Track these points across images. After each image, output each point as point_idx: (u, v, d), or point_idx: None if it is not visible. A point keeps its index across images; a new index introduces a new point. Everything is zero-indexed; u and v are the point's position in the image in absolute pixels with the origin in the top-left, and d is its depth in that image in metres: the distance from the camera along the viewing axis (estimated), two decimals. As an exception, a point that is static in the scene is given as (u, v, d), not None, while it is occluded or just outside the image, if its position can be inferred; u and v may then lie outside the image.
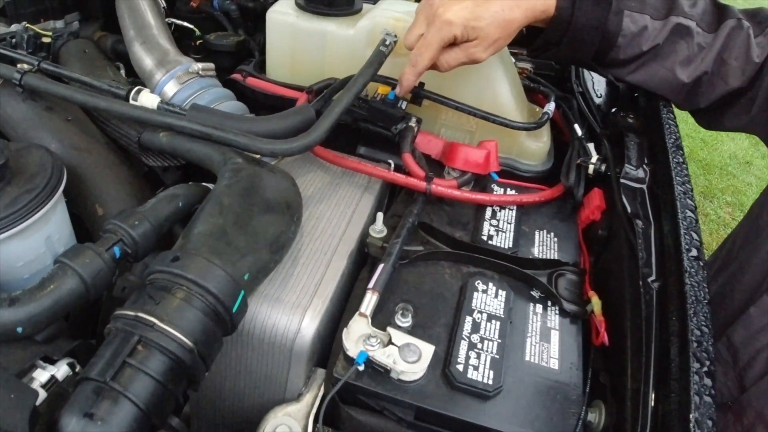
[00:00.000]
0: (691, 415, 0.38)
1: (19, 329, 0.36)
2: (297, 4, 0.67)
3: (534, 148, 0.68)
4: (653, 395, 0.42)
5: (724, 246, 0.75)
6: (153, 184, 0.65)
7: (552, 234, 0.60)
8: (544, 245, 0.59)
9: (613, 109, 0.70)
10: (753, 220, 0.70)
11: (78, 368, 0.38)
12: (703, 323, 0.44)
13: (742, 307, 0.67)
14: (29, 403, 0.33)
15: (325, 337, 0.51)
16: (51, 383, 0.36)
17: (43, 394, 0.35)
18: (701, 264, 0.48)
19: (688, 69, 0.65)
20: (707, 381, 0.41)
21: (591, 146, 0.67)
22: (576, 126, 0.69)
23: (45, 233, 0.48)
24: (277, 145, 0.53)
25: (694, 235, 0.50)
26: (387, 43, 0.60)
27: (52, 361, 0.37)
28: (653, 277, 0.49)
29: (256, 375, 0.51)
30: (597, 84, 0.78)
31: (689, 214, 0.52)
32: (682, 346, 0.42)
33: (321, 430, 0.47)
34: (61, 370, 0.37)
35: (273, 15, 0.67)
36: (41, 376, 0.36)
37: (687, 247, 0.49)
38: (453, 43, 0.58)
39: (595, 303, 0.52)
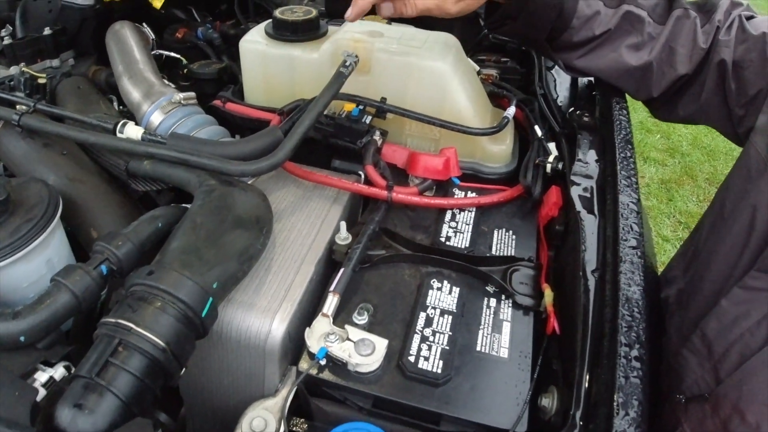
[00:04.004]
0: (615, 396, 0.44)
1: (22, 338, 0.44)
2: (266, 33, 0.75)
3: (496, 151, 0.74)
4: (587, 378, 0.48)
5: (694, 236, 0.80)
6: (150, 205, 0.74)
7: (511, 232, 0.66)
8: (502, 243, 0.65)
9: (571, 109, 0.76)
10: (718, 209, 0.74)
11: (73, 369, 0.46)
12: (636, 309, 0.50)
13: (712, 297, 0.71)
14: (30, 399, 0.41)
15: (297, 337, 0.58)
16: (50, 383, 0.44)
17: (42, 392, 0.43)
18: (639, 253, 0.53)
19: (636, 54, 0.70)
20: (635, 363, 0.46)
21: (552, 145, 0.73)
22: (536, 127, 0.75)
23: (45, 256, 0.57)
24: (246, 166, 0.60)
25: (634, 227, 0.56)
26: (347, 64, 0.68)
27: (51, 364, 0.46)
28: (594, 267, 0.55)
29: (237, 374, 0.59)
30: (559, 86, 0.84)
31: (631, 206, 0.58)
32: (612, 330, 0.48)
33: (295, 421, 0.54)
34: (58, 371, 0.45)
35: (245, 44, 0.75)
36: (41, 377, 0.44)
37: (625, 237, 0.55)
38: None
39: (547, 295, 0.58)
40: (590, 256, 0.55)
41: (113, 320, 0.44)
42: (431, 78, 0.70)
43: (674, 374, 0.75)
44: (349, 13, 0.62)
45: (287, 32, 0.73)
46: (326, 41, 0.73)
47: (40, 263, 0.56)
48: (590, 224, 0.58)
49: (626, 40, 0.70)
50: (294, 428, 0.55)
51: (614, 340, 0.46)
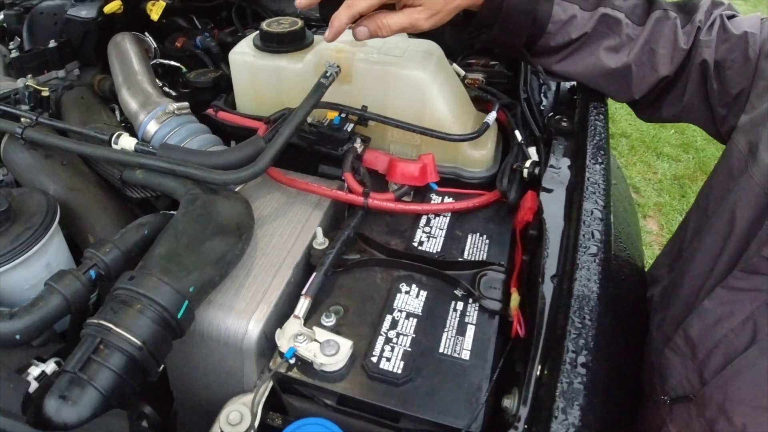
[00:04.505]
0: (557, 400, 0.47)
1: (17, 337, 0.51)
2: (254, 45, 0.81)
3: (477, 156, 0.78)
4: (533, 383, 0.52)
5: (679, 234, 0.82)
6: (150, 209, 0.80)
7: (485, 236, 0.70)
8: (475, 247, 0.69)
9: (551, 114, 0.79)
10: (701, 207, 0.76)
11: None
12: (588, 316, 0.53)
13: (693, 295, 0.73)
14: (23, 391, 0.47)
15: (273, 337, 0.64)
16: (41, 377, 0.51)
17: (35, 385, 0.49)
18: (598, 261, 0.57)
19: (615, 56, 0.72)
20: (581, 370, 0.49)
21: (533, 150, 0.76)
22: (516, 132, 0.78)
23: (45, 261, 0.64)
24: (228, 175, 0.66)
25: (596, 234, 0.59)
26: (328, 74, 0.73)
27: (43, 360, 0.52)
28: (554, 273, 0.58)
29: (220, 372, 0.65)
30: (547, 90, 0.87)
31: (595, 213, 0.61)
32: (561, 336, 0.52)
33: (271, 416, 0.60)
34: (50, 366, 0.52)
35: (234, 56, 0.81)
36: (34, 371, 0.51)
37: (585, 244, 0.58)
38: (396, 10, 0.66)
39: (514, 299, 0.62)
40: (552, 262, 0.59)
41: (96, 321, 0.51)
42: (410, 86, 0.74)
43: (658, 374, 0.78)
44: (327, 34, 0.67)
45: (273, 43, 0.79)
46: (310, 52, 0.78)
47: (39, 267, 0.64)
48: (556, 230, 0.62)
49: (604, 42, 0.72)
50: (269, 422, 0.61)
51: (561, 345, 0.50)
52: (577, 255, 0.56)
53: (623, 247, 0.86)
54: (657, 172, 2.76)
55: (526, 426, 0.48)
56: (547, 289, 0.57)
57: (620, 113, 3.20)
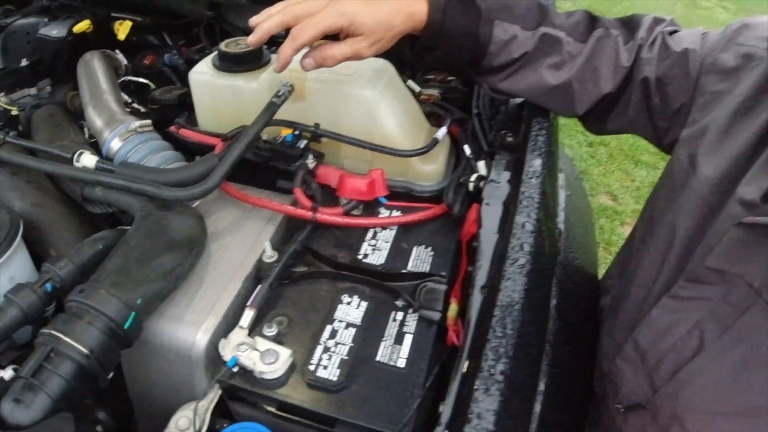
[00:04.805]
0: (471, 405, 0.51)
1: (-26, 345, 0.56)
2: (213, 64, 0.86)
3: (427, 171, 0.83)
4: (456, 390, 0.56)
5: (627, 244, 0.86)
6: (116, 223, 0.85)
7: (430, 248, 0.75)
8: (419, 259, 0.74)
9: (500, 129, 0.84)
10: (647, 218, 0.81)
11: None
12: (510, 326, 0.57)
13: (639, 304, 0.78)
14: (-22, 395, 0.52)
15: (220, 347, 0.68)
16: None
17: (-8, 389, 0.54)
18: (524, 272, 0.61)
19: (557, 73, 0.77)
20: (498, 377, 0.53)
21: (482, 164, 0.81)
22: (465, 146, 0.83)
23: (8, 274, 0.69)
24: (181, 192, 0.71)
25: (525, 246, 0.64)
26: (280, 93, 0.77)
27: (2, 367, 0.57)
28: (483, 283, 0.63)
29: (172, 381, 0.69)
30: (498, 105, 0.92)
31: (527, 226, 0.66)
32: (481, 344, 0.56)
33: (220, 422, 0.65)
34: (8, 373, 0.56)
35: (193, 75, 0.86)
36: (-8, 377, 0.56)
37: (514, 257, 0.63)
38: (339, 39, 0.71)
39: (452, 309, 0.67)
40: (483, 273, 0.64)
41: (48, 331, 0.56)
42: (360, 104, 0.79)
43: (610, 383, 0.82)
44: (276, 67, 0.71)
45: (231, 63, 0.84)
46: (265, 71, 0.83)
47: (3, 281, 0.68)
48: (490, 243, 0.67)
49: (546, 60, 0.77)
50: (218, 427, 0.65)
51: (480, 354, 0.55)
52: (504, 266, 0.61)
53: (574, 257, 0.91)
54: (635, 180, 2.84)
55: (447, 430, 0.53)
56: (477, 299, 0.61)
57: None
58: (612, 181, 2.86)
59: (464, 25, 0.74)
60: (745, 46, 0.68)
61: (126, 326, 0.59)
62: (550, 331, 0.81)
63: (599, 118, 0.82)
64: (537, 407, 0.74)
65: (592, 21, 0.79)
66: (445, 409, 0.54)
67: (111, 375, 0.59)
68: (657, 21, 0.78)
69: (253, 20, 0.72)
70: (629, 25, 0.79)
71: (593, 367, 0.89)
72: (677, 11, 4.97)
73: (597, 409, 0.89)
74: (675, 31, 0.77)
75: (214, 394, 0.66)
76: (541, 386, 0.76)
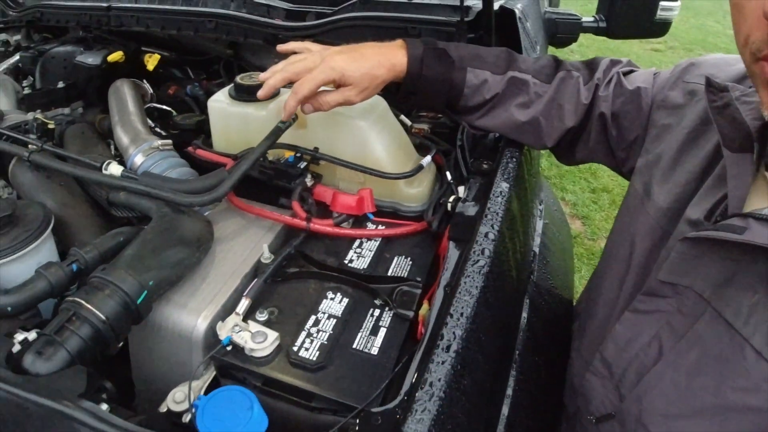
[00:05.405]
0: (426, 374, 0.62)
1: (9, 309, 0.69)
2: (229, 94, 1.02)
3: (413, 193, 0.96)
4: (414, 378, 0.66)
5: (599, 263, 0.97)
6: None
7: (409, 258, 0.87)
8: (398, 267, 0.86)
9: (475, 157, 0.98)
10: (610, 241, 0.92)
11: (42, 337, 0.70)
12: (466, 311, 0.68)
13: (605, 321, 0.87)
14: (7, 349, 0.64)
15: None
16: (24, 341, 0.68)
17: (18, 346, 0.66)
18: (483, 271, 0.73)
19: (525, 111, 0.90)
20: (451, 354, 0.63)
21: (462, 188, 0.94)
22: (447, 173, 0.97)
23: (37, 260, 0.82)
24: (193, 198, 0.85)
25: (486, 251, 0.76)
26: (285, 121, 0.93)
27: (27, 330, 0.69)
28: (446, 283, 0.75)
29: (175, 361, 0.80)
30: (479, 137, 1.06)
31: (490, 235, 0.78)
32: (440, 327, 0.67)
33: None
34: (32, 335, 0.68)
35: (212, 103, 1.02)
36: (19, 337, 0.67)
37: (474, 259, 0.75)
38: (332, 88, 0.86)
39: (423, 308, 0.79)
40: (447, 275, 0.76)
41: (71, 299, 0.68)
42: (354, 132, 0.94)
43: (581, 397, 0.91)
44: (283, 116, 0.87)
45: (244, 94, 0.99)
46: (273, 102, 0.99)
47: (32, 265, 0.81)
48: (456, 252, 0.79)
49: (515, 100, 0.91)
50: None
51: (438, 334, 0.66)
52: (466, 266, 0.73)
53: (548, 278, 1.02)
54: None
55: (405, 397, 0.63)
56: (440, 294, 0.73)
57: (603, 169, 3.42)
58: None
59: (440, 73, 0.89)
60: (690, 84, 0.80)
61: (138, 301, 0.71)
62: (519, 341, 0.91)
63: (567, 150, 0.95)
64: (505, 410, 0.84)
65: (556, 64, 0.93)
66: (406, 381, 0.65)
67: (120, 344, 0.71)
68: (614, 62, 0.92)
69: (262, 77, 0.89)
70: (590, 66, 0.92)
71: (563, 384, 0.98)
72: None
73: (570, 426, 0.97)
74: (631, 71, 0.91)
75: (209, 374, 0.78)
76: (509, 391, 0.86)
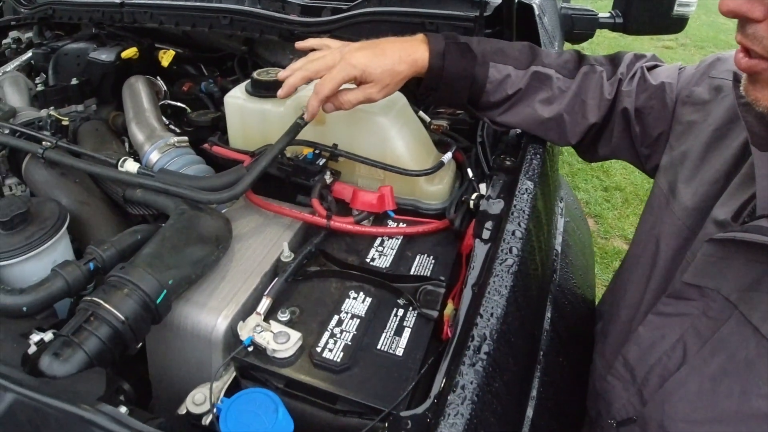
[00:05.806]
0: (457, 377, 0.59)
1: (25, 309, 0.66)
2: (246, 90, 0.99)
3: (433, 190, 0.94)
4: (444, 381, 0.64)
5: (617, 272, 0.95)
6: None
7: (431, 257, 0.85)
8: (421, 266, 0.83)
9: (498, 154, 0.95)
10: (635, 242, 0.89)
11: (59, 337, 0.68)
12: (497, 311, 0.66)
13: (628, 323, 0.85)
14: (23, 350, 0.62)
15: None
16: (40, 342, 0.65)
17: (34, 347, 0.64)
18: (512, 270, 0.71)
19: (549, 107, 0.88)
20: (482, 355, 0.61)
21: (483, 185, 0.92)
22: (468, 170, 0.94)
23: (52, 258, 0.80)
24: (212, 195, 0.82)
25: (514, 250, 0.74)
26: (303, 116, 0.90)
27: (43, 330, 0.67)
28: (474, 282, 0.72)
29: (194, 361, 0.78)
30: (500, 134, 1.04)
31: (517, 233, 0.75)
32: (469, 327, 0.65)
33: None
34: (48, 336, 0.66)
35: (228, 99, 0.99)
36: (35, 337, 0.65)
37: (502, 258, 0.72)
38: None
39: (448, 308, 0.76)
40: (475, 274, 0.73)
41: (90, 298, 0.66)
42: (374, 128, 0.91)
43: (602, 401, 0.89)
44: (306, 117, 0.85)
45: (261, 90, 0.97)
46: (291, 98, 0.96)
47: (47, 263, 0.79)
48: (482, 250, 0.76)
49: (538, 95, 0.88)
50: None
51: (467, 335, 0.64)
52: (494, 265, 0.70)
53: (571, 278, 0.99)
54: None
55: (435, 400, 0.61)
56: (468, 294, 0.70)
57: (615, 167, 3.39)
58: (626, 225, 2.93)
59: (462, 68, 0.86)
60: (717, 79, 0.78)
61: (158, 301, 0.69)
62: (543, 341, 0.89)
63: (590, 147, 0.93)
64: (529, 412, 0.82)
65: (579, 59, 0.91)
66: (435, 383, 0.62)
67: (139, 345, 0.69)
68: (638, 57, 0.90)
69: (281, 75, 0.87)
70: (614, 61, 0.90)
71: (586, 387, 0.95)
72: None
73: (591, 430, 0.94)
74: (655, 66, 0.88)
75: (229, 376, 0.75)
76: (534, 393, 0.84)
